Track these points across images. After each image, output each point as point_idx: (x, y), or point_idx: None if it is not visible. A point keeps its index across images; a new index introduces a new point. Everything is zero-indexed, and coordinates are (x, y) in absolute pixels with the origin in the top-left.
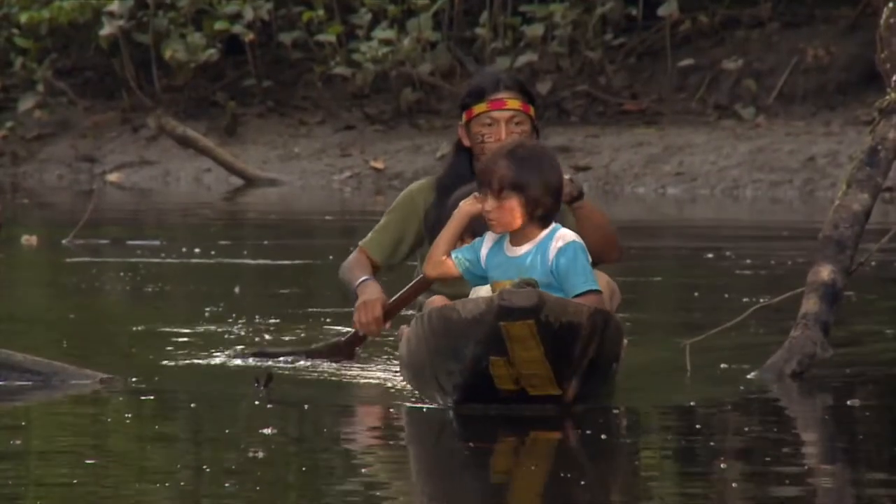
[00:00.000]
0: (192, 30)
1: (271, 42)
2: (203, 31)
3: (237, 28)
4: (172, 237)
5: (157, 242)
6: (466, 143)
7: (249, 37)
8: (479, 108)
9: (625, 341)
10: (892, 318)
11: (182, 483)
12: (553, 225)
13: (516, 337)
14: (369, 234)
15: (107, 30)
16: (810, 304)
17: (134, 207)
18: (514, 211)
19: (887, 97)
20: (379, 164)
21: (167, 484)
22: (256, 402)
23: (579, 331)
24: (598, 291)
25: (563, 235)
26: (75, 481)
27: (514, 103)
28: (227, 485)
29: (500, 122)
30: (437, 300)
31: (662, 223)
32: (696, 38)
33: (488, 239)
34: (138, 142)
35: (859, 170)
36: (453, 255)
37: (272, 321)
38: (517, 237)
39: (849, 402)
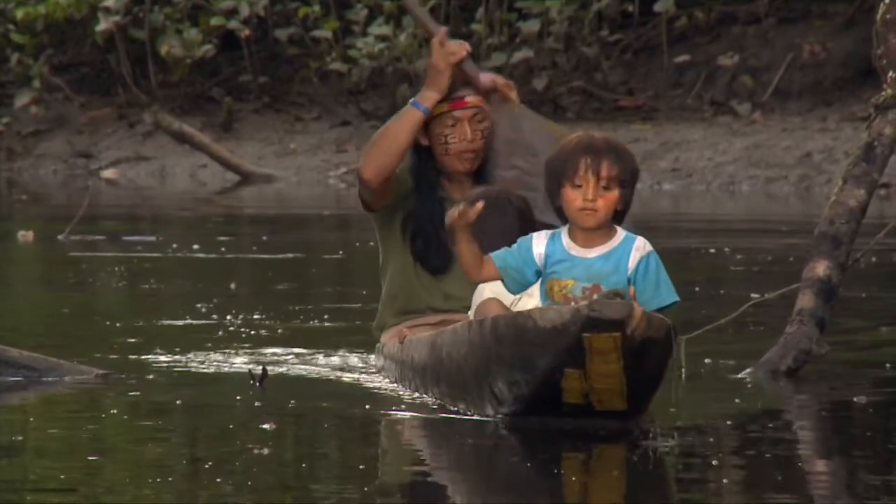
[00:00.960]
0: (187, 25)
1: (267, 38)
2: (199, 26)
3: (233, 24)
4: (169, 233)
5: (153, 238)
6: (425, 142)
7: (245, 32)
8: (438, 109)
9: None
10: (887, 314)
11: (184, 480)
12: (623, 231)
13: (598, 349)
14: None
15: (103, 25)
16: (806, 300)
17: (130, 203)
18: (613, 204)
19: (883, 93)
20: None
21: (165, 480)
22: (257, 404)
23: (658, 346)
24: (677, 303)
25: (644, 244)
26: (63, 476)
27: (474, 100)
28: (219, 480)
29: (464, 121)
30: (491, 306)
31: (658, 219)
32: (692, 35)
33: (540, 237)
34: (134, 137)
35: (855, 166)
36: (494, 257)
37: (268, 316)
38: (586, 237)
39: (855, 399)
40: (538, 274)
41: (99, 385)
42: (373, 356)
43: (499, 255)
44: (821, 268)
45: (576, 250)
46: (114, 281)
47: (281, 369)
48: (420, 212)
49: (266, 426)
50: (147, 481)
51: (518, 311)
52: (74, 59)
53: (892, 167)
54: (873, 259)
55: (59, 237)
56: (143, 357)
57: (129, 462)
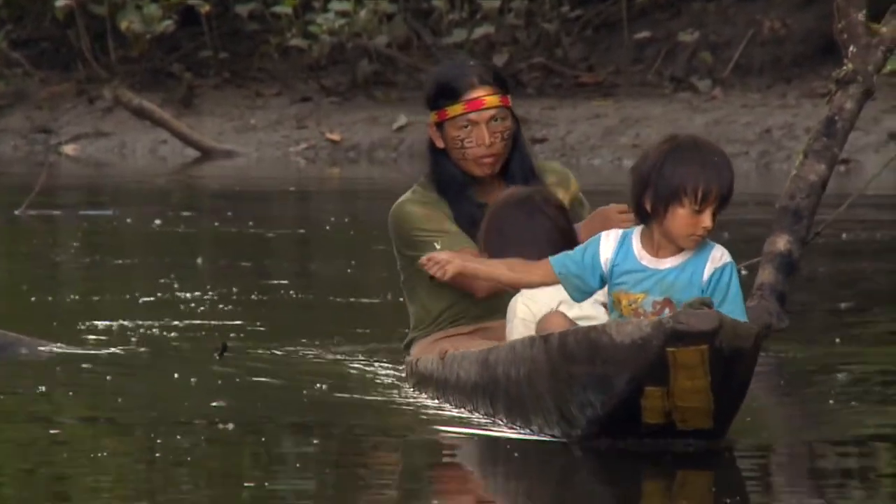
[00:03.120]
0: (147, 1)
1: (227, 13)
2: (159, 2)
3: None
4: (128, 208)
5: (109, 212)
6: (440, 144)
7: (205, 8)
8: (453, 111)
9: None
10: (850, 288)
11: (142, 454)
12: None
13: (684, 364)
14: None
15: (62, 1)
16: (766, 275)
17: (89, 178)
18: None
19: (844, 68)
20: (335, 136)
21: (123, 455)
22: (218, 381)
23: (746, 357)
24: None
25: (722, 254)
26: (22, 450)
27: (492, 100)
28: (177, 457)
29: (481, 124)
30: (555, 320)
31: (619, 195)
32: (652, 11)
33: (609, 241)
34: (94, 113)
35: (816, 140)
36: (554, 262)
37: (232, 291)
38: (659, 246)
39: (839, 376)
40: (603, 279)
41: (57, 360)
42: (380, 362)
43: (559, 261)
44: (781, 242)
45: (648, 260)
46: (73, 256)
47: (243, 345)
48: (459, 220)
49: (216, 403)
50: (105, 456)
51: (591, 326)
52: (34, 34)
53: (852, 143)
54: (844, 236)
55: (17, 212)
56: (103, 332)
57: (88, 438)
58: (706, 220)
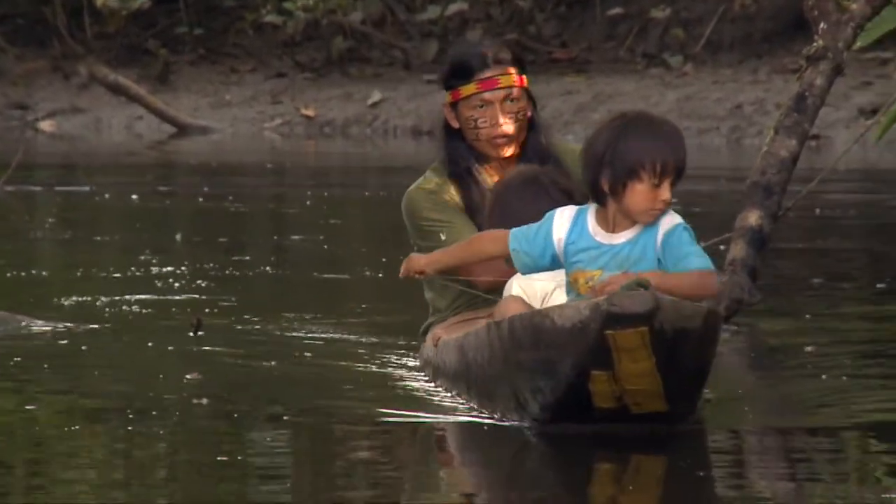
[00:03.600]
0: None
1: None
2: None
3: None
4: (105, 183)
5: (86, 188)
6: (455, 125)
7: None
8: (467, 90)
9: None
10: (819, 263)
11: (117, 429)
12: None
13: (625, 347)
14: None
15: None
16: (738, 250)
17: (65, 154)
18: None
19: (815, 44)
20: (310, 112)
21: (97, 429)
22: (194, 348)
23: (695, 337)
24: (712, 272)
25: (671, 220)
26: None
27: (506, 80)
28: (151, 430)
29: (494, 104)
30: (511, 306)
31: None
32: None
33: (563, 220)
34: (70, 89)
35: (787, 116)
36: (512, 236)
37: (209, 267)
38: (613, 221)
39: (807, 349)
40: (555, 259)
41: (33, 335)
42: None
43: (516, 235)
44: (753, 217)
45: (602, 236)
46: (49, 231)
47: (219, 321)
48: (468, 205)
49: (189, 376)
50: (78, 430)
51: (536, 310)
52: (9, 10)
53: (823, 119)
54: (817, 211)
55: None
56: (80, 307)
57: (62, 413)
58: (664, 192)
